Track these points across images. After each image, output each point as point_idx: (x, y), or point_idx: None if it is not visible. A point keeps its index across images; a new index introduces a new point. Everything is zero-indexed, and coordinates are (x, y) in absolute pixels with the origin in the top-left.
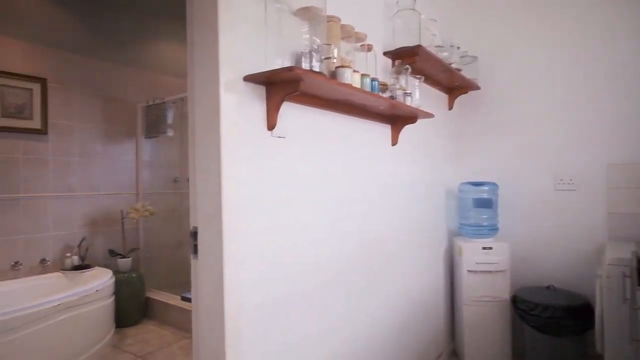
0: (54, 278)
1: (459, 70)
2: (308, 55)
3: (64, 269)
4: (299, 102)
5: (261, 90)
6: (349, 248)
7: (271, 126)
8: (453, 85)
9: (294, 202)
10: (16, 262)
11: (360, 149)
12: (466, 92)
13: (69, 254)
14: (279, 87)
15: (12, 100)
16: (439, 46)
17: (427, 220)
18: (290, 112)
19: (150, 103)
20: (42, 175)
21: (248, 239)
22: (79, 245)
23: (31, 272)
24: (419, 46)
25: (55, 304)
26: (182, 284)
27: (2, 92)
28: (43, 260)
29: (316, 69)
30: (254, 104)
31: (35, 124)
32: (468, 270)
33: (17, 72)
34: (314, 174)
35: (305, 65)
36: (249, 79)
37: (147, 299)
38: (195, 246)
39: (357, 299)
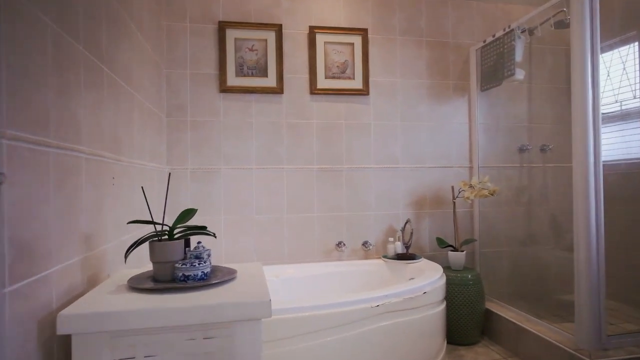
0: (375, 266)
1: None
2: None
3: (386, 256)
4: None
5: None
6: None
7: None
8: None
9: None
10: (340, 242)
11: None
12: None
13: (391, 239)
14: None
15: (335, 58)
16: None
17: None
18: None
19: (489, 40)
20: (363, 144)
21: None
22: (403, 229)
23: (353, 255)
24: None
25: (374, 305)
26: (530, 298)
27: (327, 50)
28: (365, 244)
29: None
30: None
31: (357, 83)
32: None
33: (339, 25)
34: None
35: None
36: None
37: (487, 311)
38: None
39: None
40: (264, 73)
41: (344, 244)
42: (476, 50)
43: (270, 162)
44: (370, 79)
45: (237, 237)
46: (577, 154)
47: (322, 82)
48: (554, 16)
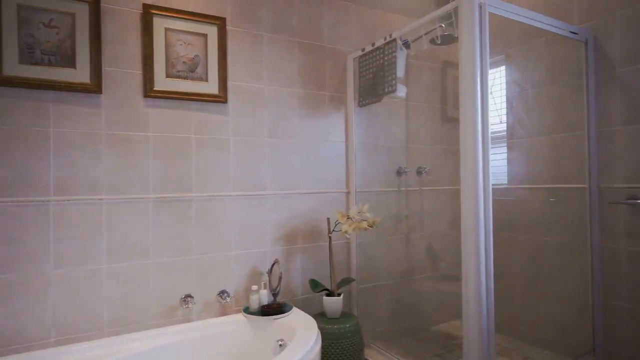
0: (234, 325)
1: None
2: None
3: (247, 309)
4: None
5: None
6: None
7: None
8: None
9: None
10: (187, 296)
11: None
12: None
13: (255, 287)
14: None
15: (181, 52)
16: None
17: None
18: None
19: (368, 49)
20: (220, 165)
21: None
22: (270, 272)
23: (206, 311)
24: None
25: None
26: (410, 335)
27: (169, 40)
28: (222, 294)
29: None
30: None
31: (212, 87)
32: None
33: (187, 9)
34: None
35: None
36: None
37: None
38: None
39: None
40: (69, 62)
41: (193, 298)
42: (354, 59)
43: (80, 191)
44: (230, 83)
45: (18, 307)
46: (465, 178)
47: (163, 82)
48: (440, 27)
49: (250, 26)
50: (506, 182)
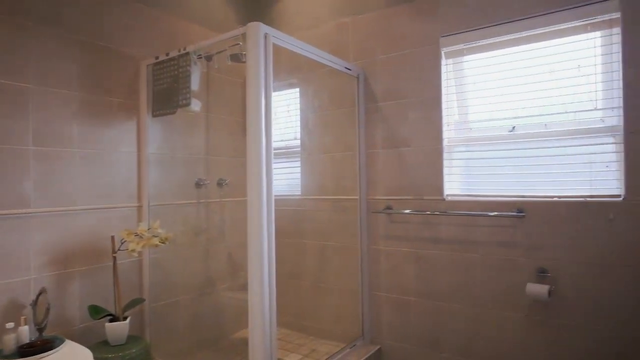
0: None
1: None
2: None
3: (1, 352)
4: None
5: None
6: None
7: None
8: None
9: None
10: None
11: None
12: None
13: (10, 324)
14: None
15: None
16: None
17: None
18: None
19: (162, 58)
20: None
21: None
22: (35, 303)
23: None
24: None
25: None
26: (207, 348)
27: None
28: None
29: None
30: None
31: None
32: None
33: None
34: None
35: None
36: None
37: None
38: None
39: None
40: None
41: None
42: (148, 65)
43: None
44: None
45: None
46: (251, 189)
47: None
48: (230, 47)
49: (9, 12)
50: (300, 193)
